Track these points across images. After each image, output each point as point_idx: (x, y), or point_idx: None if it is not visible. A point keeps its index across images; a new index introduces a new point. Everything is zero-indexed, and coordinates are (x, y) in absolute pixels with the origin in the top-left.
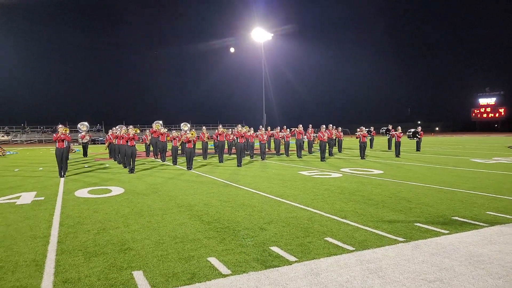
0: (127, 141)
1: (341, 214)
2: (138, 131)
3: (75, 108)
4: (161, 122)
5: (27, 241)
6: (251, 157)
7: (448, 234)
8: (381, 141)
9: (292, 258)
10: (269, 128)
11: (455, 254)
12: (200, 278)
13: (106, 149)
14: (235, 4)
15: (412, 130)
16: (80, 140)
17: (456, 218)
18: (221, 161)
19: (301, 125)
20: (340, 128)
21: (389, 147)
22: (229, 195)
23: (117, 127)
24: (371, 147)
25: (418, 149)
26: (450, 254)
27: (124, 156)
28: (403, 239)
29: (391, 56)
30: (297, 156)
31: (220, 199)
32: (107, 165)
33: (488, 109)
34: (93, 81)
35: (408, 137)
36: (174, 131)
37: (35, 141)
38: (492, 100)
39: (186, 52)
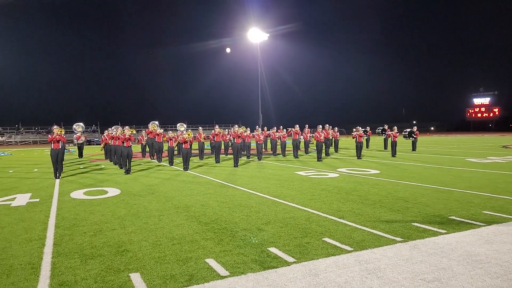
0: (123, 142)
1: (338, 214)
2: (134, 132)
3: (70, 108)
4: (157, 122)
5: (22, 243)
6: (248, 157)
7: (445, 233)
8: (377, 141)
9: (290, 259)
10: (265, 128)
11: (453, 253)
12: (198, 280)
13: (101, 150)
14: (231, 5)
15: (408, 130)
16: (75, 141)
17: (453, 217)
18: (217, 161)
19: (297, 125)
20: (336, 128)
21: (385, 147)
22: (226, 196)
23: (112, 127)
24: (367, 147)
25: (414, 149)
26: (448, 254)
27: (120, 157)
28: (401, 239)
29: (387, 57)
30: (294, 156)
31: (217, 200)
32: (102, 166)
33: (483, 109)
34: (89, 81)
35: (404, 137)
36: (170, 132)
37: (30, 142)
38: (486, 100)
39: (182, 53)
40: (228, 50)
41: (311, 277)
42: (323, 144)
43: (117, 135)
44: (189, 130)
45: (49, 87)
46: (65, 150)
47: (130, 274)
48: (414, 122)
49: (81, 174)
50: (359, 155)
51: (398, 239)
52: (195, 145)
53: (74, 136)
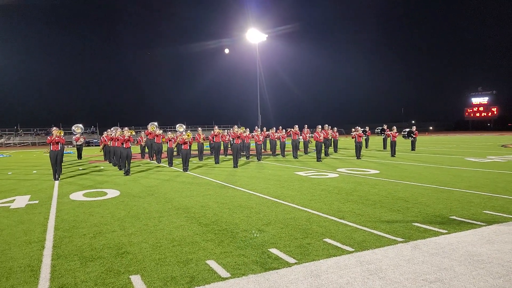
0: (122, 143)
1: (339, 214)
2: (134, 133)
3: (69, 110)
4: (156, 123)
5: (21, 246)
6: (247, 158)
7: (446, 233)
8: (376, 141)
9: (291, 260)
10: (264, 128)
11: (454, 254)
12: (199, 282)
13: (101, 151)
14: (229, 5)
15: (407, 129)
16: (74, 142)
17: (454, 217)
18: (217, 162)
19: (296, 126)
20: (335, 128)
21: (384, 147)
22: (226, 197)
23: (112, 129)
24: (366, 147)
25: (413, 148)
26: (449, 254)
27: (119, 158)
28: (402, 239)
29: (386, 57)
30: (293, 156)
31: (217, 201)
32: (102, 167)
33: (481, 109)
34: (88, 82)
35: (403, 136)
36: (169, 133)
37: (29, 144)
38: (484, 100)
39: (181, 53)
40: (227, 50)
41: (312, 278)
42: (323, 144)
43: (116, 136)
44: (189, 131)
45: (48, 88)
46: (70, 151)
47: (130, 276)
48: (413, 121)
49: (80, 176)
50: (358, 155)
51: (399, 239)
52: (194, 146)
53: (73, 137)
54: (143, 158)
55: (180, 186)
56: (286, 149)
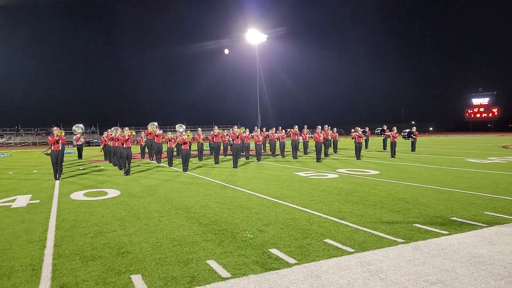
0: (122, 143)
1: (339, 215)
2: (134, 133)
3: (70, 110)
4: (156, 123)
5: (23, 245)
6: (247, 158)
7: (447, 235)
8: (376, 141)
9: (292, 261)
10: (264, 129)
11: (455, 255)
12: (199, 282)
13: (101, 151)
14: (229, 6)
15: (407, 130)
16: (75, 142)
17: (455, 218)
18: (217, 162)
19: (296, 126)
20: (335, 128)
21: (384, 148)
22: (226, 197)
23: (112, 129)
24: (366, 147)
25: (413, 149)
26: (450, 255)
27: (119, 158)
28: (403, 240)
29: (386, 57)
30: (293, 157)
31: (217, 201)
32: (102, 167)
33: (482, 109)
34: (88, 83)
35: (403, 137)
36: (169, 133)
37: (29, 144)
38: (485, 100)
39: (181, 54)
40: (226, 51)
41: (313, 279)
42: (322, 144)
43: (116, 136)
44: (188, 131)
45: (48, 89)
46: (70, 151)
47: (131, 276)
48: (413, 122)
49: (80, 175)
50: (358, 156)
51: (400, 240)
52: (194, 146)
53: (74, 137)
54: (143, 158)
55: (180, 186)
56: (285, 149)
